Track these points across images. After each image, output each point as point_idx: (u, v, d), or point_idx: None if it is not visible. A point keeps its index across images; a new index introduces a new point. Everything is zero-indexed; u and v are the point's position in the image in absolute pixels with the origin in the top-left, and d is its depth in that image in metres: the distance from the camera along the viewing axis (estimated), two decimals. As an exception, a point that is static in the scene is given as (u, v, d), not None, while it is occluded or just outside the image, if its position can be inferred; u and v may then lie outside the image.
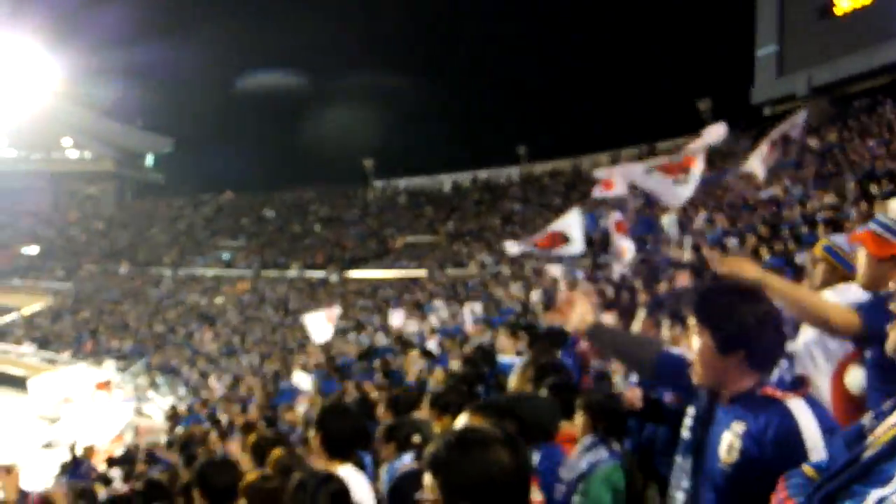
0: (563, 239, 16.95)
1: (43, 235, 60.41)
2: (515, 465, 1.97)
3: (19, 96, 57.98)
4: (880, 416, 1.74)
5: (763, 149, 14.72)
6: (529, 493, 2.07)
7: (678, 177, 12.76)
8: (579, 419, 4.44)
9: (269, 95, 64.97)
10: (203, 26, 62.74)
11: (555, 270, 20.57)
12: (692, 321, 2.60)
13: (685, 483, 2.57)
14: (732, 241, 12.85)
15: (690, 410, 2.66)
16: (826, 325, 3.02)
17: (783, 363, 2.57)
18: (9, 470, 4.65)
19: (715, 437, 2.48)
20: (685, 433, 2.65)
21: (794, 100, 34.20)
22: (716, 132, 13.20)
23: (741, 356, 2.45)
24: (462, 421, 3.14)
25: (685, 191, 12.66)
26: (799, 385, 2.50)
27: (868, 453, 1.48)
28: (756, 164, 15.27)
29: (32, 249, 58.32)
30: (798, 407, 2.36)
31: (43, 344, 42.12)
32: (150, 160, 67.55)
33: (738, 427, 2.40)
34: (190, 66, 61.11)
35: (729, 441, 2.41)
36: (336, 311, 20.13)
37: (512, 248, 19.84)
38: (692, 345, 2.60)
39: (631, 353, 3.19)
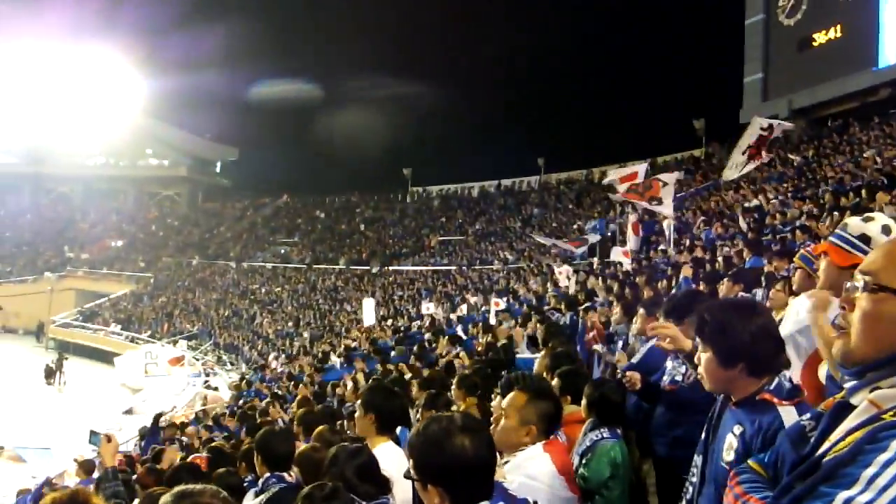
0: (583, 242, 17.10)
1: (127, 231, 61.18)
2: (475, 451, 1.95)
3: (110, 113, 59.00)
4: (815, 417, 1.72)
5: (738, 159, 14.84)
6: (492, 474, 2.05)
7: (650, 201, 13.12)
8: (583, 404, 4.47)
9: (321, 112, 65.49)
10: (265, 56, 63.82)
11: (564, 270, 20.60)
12: (697, 339, 2.54)
13: (695, 478, 2.55)
14: (725, 249, 12.70)
15: (710, 414, 2.61)
16: None
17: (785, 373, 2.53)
18: (109, 438, 4.68)
19: (721, 438, 2.44)
20: (703, 434, 2.60)
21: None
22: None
23: (741, 367, 2.39)
24: (508, 399, 3.18)
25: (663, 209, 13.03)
26: (796, 393, 2.46)
27: (829, 458, 1.44)
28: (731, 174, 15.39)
29: (118, 243, 59.17)
30: (788, 412, 2.31)
31: (126, 324, 42.70)
32: (218, 167, 68.33)
33: (738, 429, 2.37)
34: (253, 86, 62.00)
35: (729, 441, 2.37)
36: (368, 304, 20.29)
37: (540, 238, 19.93)
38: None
39: None
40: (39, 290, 48.21)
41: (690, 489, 2.57)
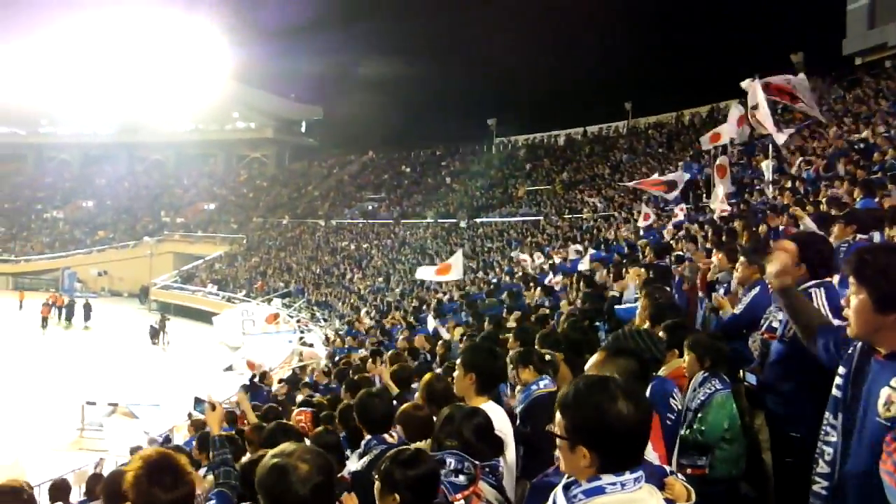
0: (670, 186, 16.53)
1: (218, 194, 63.04)
2: (634, 418, 1.90)
3: (198, 80, 60.54)
4: None
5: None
6: (646, 442, 2.00)
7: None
8: (687, 357, 4.33)
9: (403, 67, 65.37)
10: (346, 17, 64.23)
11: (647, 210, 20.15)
12: (850, 280, 2.39)
13: (834, 438, 2.40)
14: (832, 190, 12.03)
15: (840, 370, 2.46)
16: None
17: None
18: (214, 406, 4.75)
19: (872, 393, 2.26)
20: (835, 391, 2.45)
21: (885, 49, 32.30)
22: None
23: None
24: (594, 360, 3.07)
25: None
26: None
27: None
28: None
29: (211, 206, 61.07)
30: None
31: (222, 285, 44.13)
32: (303, 127, 69.44)
33: None
34: (335, 47, 62.58)
35: (888, 395, 2.19)
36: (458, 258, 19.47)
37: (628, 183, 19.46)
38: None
39: (802, 317, 3.08)
40: (140, 254, 50.32)
41: (830, 450, 2.42)
